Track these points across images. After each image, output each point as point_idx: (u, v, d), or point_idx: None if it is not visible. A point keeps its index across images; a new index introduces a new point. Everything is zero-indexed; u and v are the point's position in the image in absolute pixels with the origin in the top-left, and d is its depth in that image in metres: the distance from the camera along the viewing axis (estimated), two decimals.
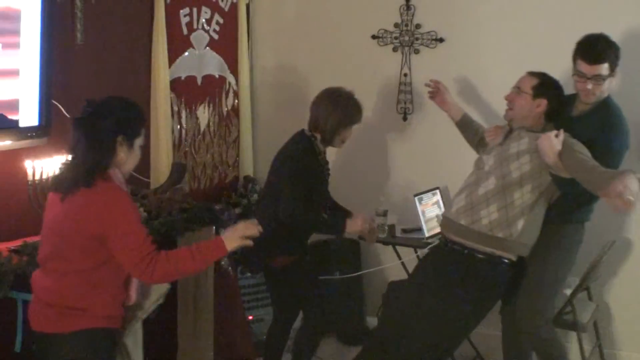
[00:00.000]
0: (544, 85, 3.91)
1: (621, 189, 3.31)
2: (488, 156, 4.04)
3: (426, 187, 5.11)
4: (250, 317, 5.15)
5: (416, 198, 4.95)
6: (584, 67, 3.93)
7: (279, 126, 5.77)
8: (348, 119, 4.25)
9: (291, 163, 4.21)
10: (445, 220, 4.11)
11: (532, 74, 3.99)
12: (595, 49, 3.92)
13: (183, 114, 5.30)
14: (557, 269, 4.03)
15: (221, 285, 4.82)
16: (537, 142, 3.77)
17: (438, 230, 4.85)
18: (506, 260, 3.88)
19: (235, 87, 5.79)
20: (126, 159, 3.11)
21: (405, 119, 5.48)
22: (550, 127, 3.89)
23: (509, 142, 3.98)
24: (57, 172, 3.28)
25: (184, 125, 5.33)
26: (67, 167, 3.09)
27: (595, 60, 3.91)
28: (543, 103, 3.91)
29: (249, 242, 3.20)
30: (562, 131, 3.76)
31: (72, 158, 3.06)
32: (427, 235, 4.90)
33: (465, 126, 4.54)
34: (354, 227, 4.25)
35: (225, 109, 5.72)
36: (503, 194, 3.86)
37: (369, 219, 4.38)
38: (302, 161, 4.21)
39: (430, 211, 5.03)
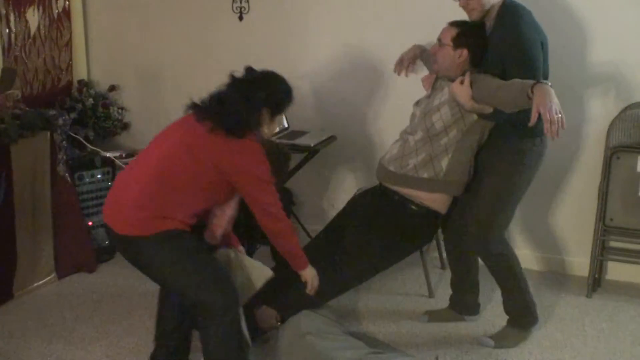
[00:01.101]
0: (464, 34, 3.87)
1: (543, 111, 3.22)
2: (417, 108, 4.13)
3: None
4: (90, 223, 5.09)
5: None
6: None
7: (114, 28, 5.81)
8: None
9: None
10: (378, 167, 4.21)
11: (452, 24, 3.94)
12: None
13: (11, 17, 5.10)
14: (515, 184, 3.88)
15: (59, 192, 4.76)
16: (449, 91, 3.85)
17: (276, 129, 4.75)
18: (437, 213, 4.05)
19: None
20: (264, 128, 3.39)
21: (241, 18, 5.42)
22: (473, 71, 3.89)
23: (433, 94, 4.06)
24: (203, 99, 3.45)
25: (13, 29, 5.14)
26: (220, 106, 3.32)
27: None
28: (464, 53, 3.88)
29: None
30: (467, 74, 3.81)
31: (222, 105, 3.30)
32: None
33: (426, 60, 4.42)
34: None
35: (56, 11, 5.52)
36: (430, 143, 3.95)
37: None
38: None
39: None
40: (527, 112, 3.35)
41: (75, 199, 4.92)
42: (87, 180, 5.07)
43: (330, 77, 5.25)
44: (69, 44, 5.67)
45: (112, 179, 5.17)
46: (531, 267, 4.99)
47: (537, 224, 5.02)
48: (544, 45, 3.72)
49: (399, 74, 4.30)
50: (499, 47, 3.75)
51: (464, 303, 4.33)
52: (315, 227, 5.08)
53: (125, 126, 5.86)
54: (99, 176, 5.14)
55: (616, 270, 4.89)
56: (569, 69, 4.62)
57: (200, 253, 3.34)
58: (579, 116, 4.71)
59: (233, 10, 5.40)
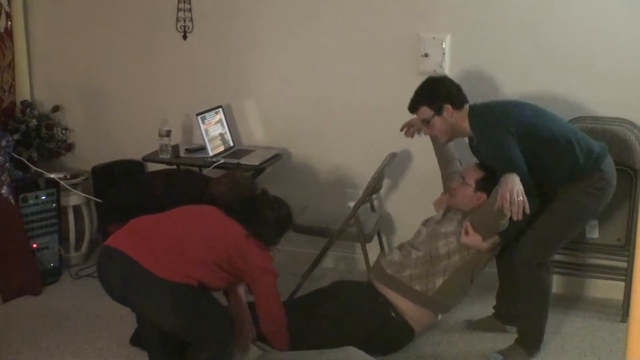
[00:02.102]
0: (487, 180, 3.93)
1: (503, 194, 3.57)
2: (424, 228, 4.18)
3: (209, 105, 5.08)
4: (35, 246, 5.01)
5: (199, 117, 4.89)
6: (414, 118, 4.10)
7: (56, 48, 5.74)
8: None
9: None
10: (375, 264, 4.25)
11: (480, 166, 4.03)
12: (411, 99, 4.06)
13: None
14: (584, 208, 3.95)
15: (2, 214, 4.70)
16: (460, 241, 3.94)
17: (222, 148, 4.91)
18: (412, 330, 4.05)
19: (7, 8, 5.51)
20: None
21: (185, 37, 5.39)
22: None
23: (443, 221, 4.13)
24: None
25: None
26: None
27: (409, 109, 4.08)
28: (483, 197, 3.96)
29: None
30: (467, 223, 3.89)
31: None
32: (211, 154, 4.89)
33: (441, 152, 4.44)
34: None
35: None
36: (430, 262, 4.00)
37: None
38: None
39: (213, 130, 5.00)
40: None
41: (19, 221, 4.84)
42: (32, 202, 5.00)
43: (276, 94, 5.22)
44: (11, 64, 5.59)
45: (57, 201, 5.10)
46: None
47: None
48: (517, 130, 3.82)
49: (405, 134, 4.39)
50: (488, 158, 3.95)
51: (509, 313, 4.32)
52: None
53: (70, 147, 5.76)
54: (43, 197, 5.05)
55: None
56: (510, 86, 4.66)
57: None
58: None
59: (177, 29, 5.36)
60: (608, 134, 4.34)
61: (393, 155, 4.81)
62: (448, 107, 3.95)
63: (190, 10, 5.32)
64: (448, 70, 4.72)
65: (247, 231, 3.66)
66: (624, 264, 4.53)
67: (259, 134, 5.31)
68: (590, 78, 4.57)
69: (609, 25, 4.49)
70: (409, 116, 4.26)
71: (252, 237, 3.66)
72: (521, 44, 4.64)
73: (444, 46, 4.73)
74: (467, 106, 4.00)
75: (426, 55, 4.77)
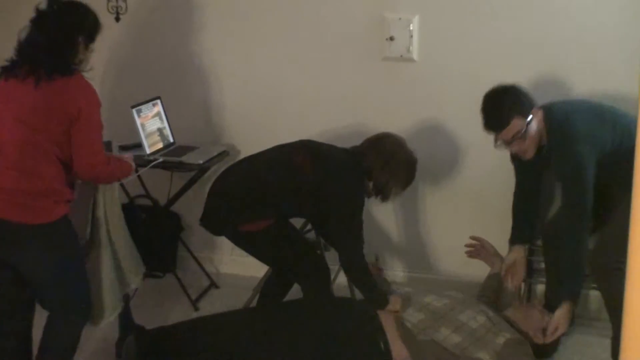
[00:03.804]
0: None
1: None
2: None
3: (145, 96, 4.60)
4: None
5: (134, 110, 4.44)
6: (498, 136, 3.67)
7: None
8: (406, 186, 3.95)
9: (354, 199, 3.80)
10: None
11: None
12: (489, 117, 3.66)
13: None
14: None
15: None
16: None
17: (161, 145, 4.54)
18: None
19: None
20: (80, 57, 3.28)
21: (118, 19, 4.89)
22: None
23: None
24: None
25: None
26: (29, 55, 3.20)
27: (497, 127, 3.65)
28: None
29: None
30: (545, 314, 3.77)
31: (32, 48, 3.19)
32: (148, 151, 4.46)
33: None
34: (396, 306, 3.75)
35: None
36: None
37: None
38: (360, 202, 3.83)
39: (151, 124, 4.55)
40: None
41: None
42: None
43: (221, 84, 4.81)
44: None
45: None
46: None
47: (457, 243, 4.52)
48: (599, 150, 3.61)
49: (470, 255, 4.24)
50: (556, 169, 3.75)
51: None
52: (208, 255, 4.84)
53: None
54: None
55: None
56: (486, 74, 4.23)
57: None
58: None
59: (108, 10, 4.84)
60: None
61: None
62: (538, 112, 3.65)
63: None
64: (416, 55, 4.37)
65: None
66: None
67: (202, 129, 4.89)
68: (573, 62, 4.20)
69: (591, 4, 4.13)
70: (374, 109, 4.26)
71: None
72: (498, 26, 4.26)
73: (411, 28, 4.34)
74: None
75: (391, 38, 4.38)
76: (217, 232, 4.01)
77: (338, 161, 3.84)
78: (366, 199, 3.86)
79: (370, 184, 3.85)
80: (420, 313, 3.61)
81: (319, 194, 3.74)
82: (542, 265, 4.17)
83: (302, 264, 3.87)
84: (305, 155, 3.83)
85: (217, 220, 3.88)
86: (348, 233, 3.75)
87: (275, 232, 3.79)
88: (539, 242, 4.17)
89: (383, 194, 3.88)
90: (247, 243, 3.87)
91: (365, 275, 3.78)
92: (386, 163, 3.80)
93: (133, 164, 3.65)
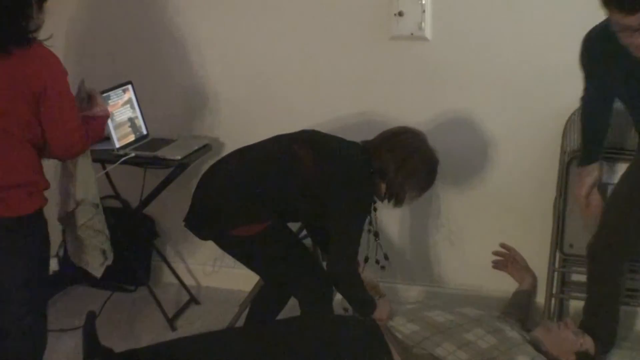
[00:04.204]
0: None
1: None
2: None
3: (114, 81, 4.36)
4: None
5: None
6: (623, 19, 3.22)
7: None
8: (424, 191, 3.70)
9: (357, 201, 3.55)
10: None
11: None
12: None
13: None
14: None
15: None
16: None
17: (132, 138, 4.36)
18: None
19: None
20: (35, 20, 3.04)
21: None
22: None
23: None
24: None
25: None
26: None
27: (633, 7, 3.18)
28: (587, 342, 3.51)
29: None
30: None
31: None
32: (118, 145, 4.25)
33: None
34: (382, 314, 3.61)
35: None
36: None
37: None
38: (366, 206, 3.62)
39: (121, 114, 4.31)
40: None
41: None
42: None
43: (204, 67, 4.55)
44: None
45: None
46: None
47: (477, 252, 4.34)
48: None
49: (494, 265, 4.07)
50: None
51: None
52: (188, 266, 4.76)
53: None
54: None
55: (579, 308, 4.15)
56: (506, 53, 4.05)
57: None
58: (524, 113, 4.10)
59: None
60: None
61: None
62: None
63: None
64: (429, 33, 4.12)
65: None
66: None
67: (181, 119, 4.67)
68: None
69: None
70: (380, 96, 4.10)
71: None
72: None
73: (423, 2, 4.10)
74: None
75: (400, 14, 4.12)
76: (204, 236, 3.76)
77: (345, 157, 3.59)
78: (379, 203, 3.65)
79: (383, 186, 3.59)
80: (413, 324, 3.43)
81: (318, 193, 3.51)
82: (576, 277, 4.00)
83: (303, 275, 3.62)
84: (307, 148, 3.57)
85: (204, 221, 3.63)
86: (345, 239, 3.52)
87: (271, 236, 3.57)
88: (572, 249, 3.97)
89: (397, 199, 3.61)
90: (239, 250, 3.65)
91: (354, 284, 3.58)
92: (403, 163, 3.54)
93: (107, 109, 3.44)
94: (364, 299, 3.57)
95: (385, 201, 3.64)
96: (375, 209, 3.70)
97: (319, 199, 3.52)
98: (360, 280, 3.57)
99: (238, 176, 3.60)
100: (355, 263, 3.56)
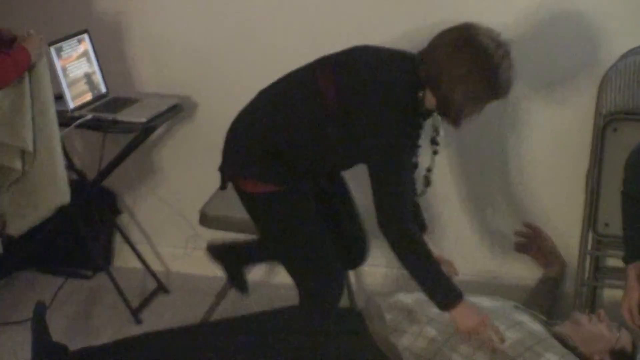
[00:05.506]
0: None
1: None
2: None
3: (67, 30, 4.03)
4: None
5: (52, 48, 3.89)
6: None
7: None
8: (492, 99, 2.93)
9: (395, 123, 2.85)
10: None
11: None
12: None
13: None
14: None
15: None
16: None
17: (89, 97, 4.07)
18: None
19: None
20: None
21: None
22: None
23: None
24: None
25: None
26: None
27: None
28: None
29: None
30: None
31: None
32: (72, 106, 3.91)
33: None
34: (469, 319, 3.03)
35: None
36: None
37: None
38: (405, 126, 2.88)
39: (75, 68, 4.01)
40: None
41: None
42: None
43: (173, 14, 4.19)
44: None
45: None
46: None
47: (499, 232, 4.09)
48: None
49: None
50: None
51: None
52: (155, 248, 4.48)
53: None
54: None
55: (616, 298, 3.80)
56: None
57: None
58: (553, 69, 3.74)
59: None
60: None
61: None
62: None
63: None
64: None
65: None
66: None
67: (146, 75, 4.33)
68: None
69: None
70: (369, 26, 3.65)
71: None
72: None
73: None
74: None
75: None
76: (221, 184, 3.35)
77: (373, 66, 2.93)
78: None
79: (432, 98, 2.88)
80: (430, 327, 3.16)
81: (345, 129, 2.92)
82: (612, 261, 3.72)
83: (310, 264, 3.15)
84: (329, 72, 2.95)
85: (222, 166, 3.25)
86: (385, 177, 2.86)
87: (280, 202, 3.10)
88: (608, 228, 3.63)
89: (452, 114, 2.89)
90: (247, 208, 3.25)
91: (412, 247, 2.87)
92: (460, 64, 2.84)
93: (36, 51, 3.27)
94: (438, 280, 2.88)
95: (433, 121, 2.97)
96: (435, 152, 3.07)
97: (343, 137, 2.91)
98: (427, 249, 2.87)
99: (249, 117, 3.14)
100: (411, 218, 2.88)
